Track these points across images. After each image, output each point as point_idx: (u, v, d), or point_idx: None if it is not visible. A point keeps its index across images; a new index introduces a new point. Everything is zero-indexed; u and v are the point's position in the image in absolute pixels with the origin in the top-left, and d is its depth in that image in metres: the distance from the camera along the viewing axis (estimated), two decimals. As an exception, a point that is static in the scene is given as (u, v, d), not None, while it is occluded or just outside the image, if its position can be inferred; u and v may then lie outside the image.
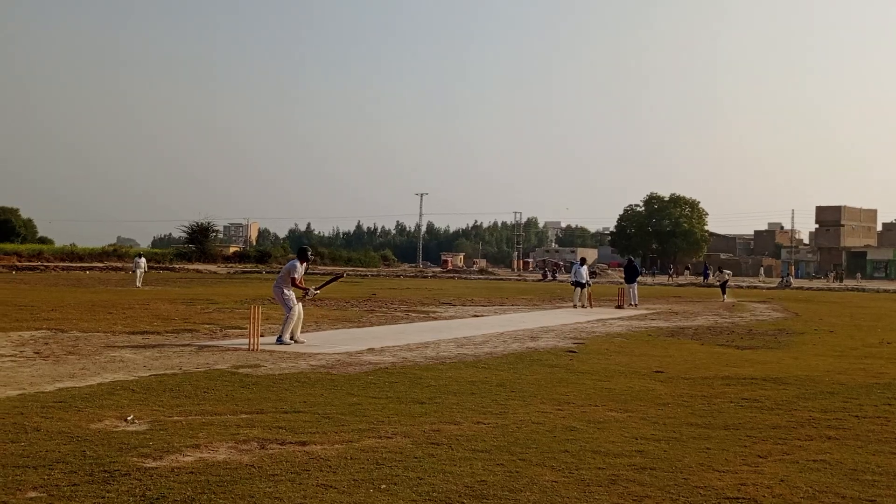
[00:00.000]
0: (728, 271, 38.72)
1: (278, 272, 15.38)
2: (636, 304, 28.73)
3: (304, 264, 14.58)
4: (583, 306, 26.68)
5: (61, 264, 62.25)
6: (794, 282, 65.40)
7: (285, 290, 14.21)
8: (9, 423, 6.92)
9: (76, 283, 37.81)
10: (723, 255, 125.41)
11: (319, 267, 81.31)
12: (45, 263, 62.13)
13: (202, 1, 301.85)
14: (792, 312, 27.21)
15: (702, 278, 67.12)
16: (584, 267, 27.99)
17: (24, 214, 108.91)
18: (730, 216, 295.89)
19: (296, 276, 14.24)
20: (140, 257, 38.30)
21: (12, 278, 42.11)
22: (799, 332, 19.21)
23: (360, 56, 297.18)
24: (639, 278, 31.60)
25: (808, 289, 56.26)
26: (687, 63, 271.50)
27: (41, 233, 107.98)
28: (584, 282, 27.19)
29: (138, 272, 36.36)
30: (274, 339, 14.03)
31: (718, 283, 37.22)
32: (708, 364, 12.49)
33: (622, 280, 30.92)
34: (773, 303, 33.86)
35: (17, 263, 60.04)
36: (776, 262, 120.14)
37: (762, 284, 62.73)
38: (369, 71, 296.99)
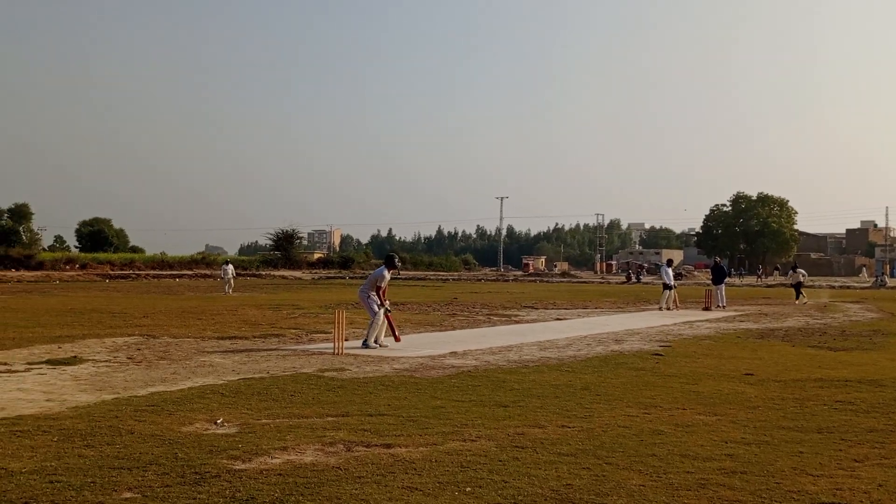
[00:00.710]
0: (802, 271, 35.84)
1: (362, 277, 15.54)
2: (724, 306, 28.16)
3: (391, 271, 14.76)
4: (669, 309, 26.27)
5: (152, 272, 64.07)
6: (890, 281, 63.10)
7: (371, 295, 14.38)
8: (104, 427, 7.13)
9: (166, 291, 38.86)
10: (813, 255, 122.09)
11: (402, 272, 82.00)
12: (137, 272, 64.02)
13: (279, 19, 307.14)
14: (887, 313, 26.31)
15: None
16: (670, 269, 27.60)
17: (117, 225, 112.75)
18: (820, 215, 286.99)
19: (382, 284, 14.42)
20: (227, 264, 38.93)
21: (106, 286, 43.53)
22: (895, 332, 18.53)
23: (440, 61, 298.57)
24: (726, 279, 30.94)
25: (904, 288, 54.27)
26: (775, 60, 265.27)
27: (133, 242, 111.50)
28: (671, 283, 26.81)
29: (227, 279, 37.03)
30: (359, 342, 14.20)
31: (792, 284, 35.18)
32: (800, 366, 12.15)
33: (709, 281, 30.32)
34: (866, 303, 32.79)
35: (110, 272, 62.02)
36: (870, 262, 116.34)
37: (856, 284, 60.80)
38: (449, 76, 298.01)
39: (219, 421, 7.45)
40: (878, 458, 6.34)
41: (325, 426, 7.31)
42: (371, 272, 14.97)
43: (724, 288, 29.32)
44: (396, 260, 15.20)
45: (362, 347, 13.85)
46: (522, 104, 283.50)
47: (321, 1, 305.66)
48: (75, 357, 12.15)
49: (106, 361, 11.85)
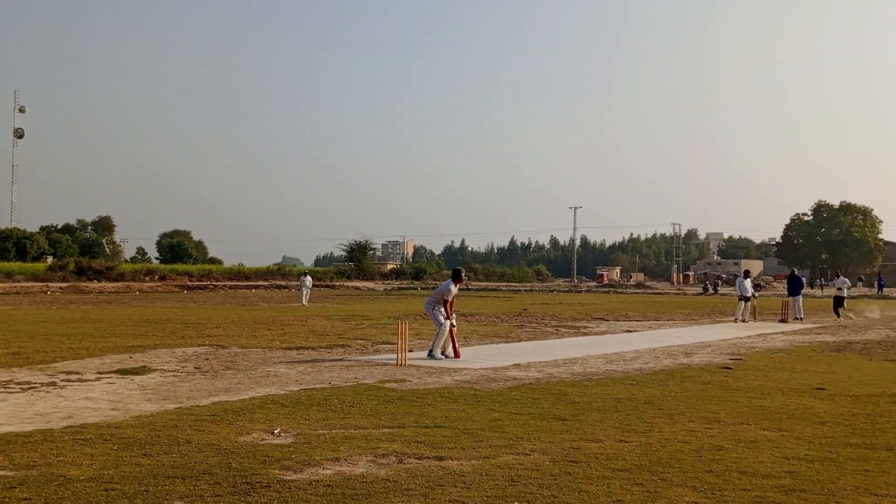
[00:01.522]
0: (845, 280, 30.39)
1: (433, 288, 15.57)
2: (801, 318, 27.44)
3: (458, 285, 14.78)
4: (744, 321, 25.71)
5: (229, 283, 65.32)
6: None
7: (437, 307, 14.42)
8: (164, 436, 7.26)
9: (241, 301, 39.56)
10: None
11: (473, 283, 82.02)
12: (214, 283, 65.33)
13: (359, 35, 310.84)
14: (975, 326, 25.26)
15: (875, 290, 63.45)
16: (748, 280, 27.01)
17: (196, 236, 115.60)
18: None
19: (448, 297, 14.44)
20: (305, 276, 39.30)
21: (183, 297, 44.53)
22: (982, 346, 17.79)
23: (508, 71, 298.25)
24: (803, 291, 30.14)
25: None
26: (853, 65, 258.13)
27: (211, 253, 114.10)
28: (748, 295, 26.26)
29: (304, 290, 37.45)
30: (425, 353, 14.24)
31: (834, 297, 29.92)
32: (875, 380, 11.75)
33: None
34: (954, 315, 31.57)
35: (188, 283, 63.40)
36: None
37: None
38: (514, 83, 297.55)
39: (276, 431, 7.52)
40: (948, 479, 6.06)
41: (380, 437, 7.32)
42: (440, 283, 15.00)
43: (801, 299, 28.58)
44: (463, 273, 15.19)
45: (427, 358, 13.88)
46: (588, 114, 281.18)
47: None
48: (144, 367, 12.43)
49: (174, 371, 12.09)
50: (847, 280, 30.84)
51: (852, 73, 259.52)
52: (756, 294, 27.48)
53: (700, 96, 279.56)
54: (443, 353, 14.15)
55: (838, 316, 28.21)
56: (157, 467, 6.12)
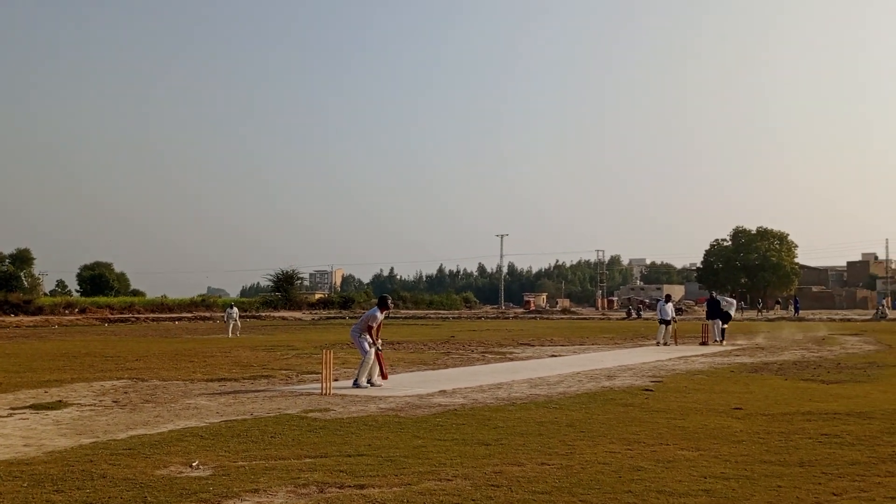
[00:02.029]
0: (731, 301, 29.66)
1: (359, 317, 15.42)
2: (720, 341, 28.02)
3: (385, 312, 14.69)
4: (666, 344, 26.17)
5: (152, 315, 64.00)
6: (890, 313, 62.95)
7: (363, 334, 14.34)
8: (77, 471, 7.06)
9: (164, 334, 38.75)
10: (815, 288, 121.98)
11: (402, 311, 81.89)
12: (137, 315, 63.93)
13: (290, 64, 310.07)
14: (885, 345, 26.17)
15: (793, 312, 65.30)
16: (670, 304, 27.51)
17: (118, 268, 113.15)
18: (821, 248, 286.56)
19: (373, 324, 14.35)
20: (232, 307, 38.27)
21: (104, 330, 43.42)
22: (891, 364, 18.46)
23: (431, 99, 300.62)
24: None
25: (905, 320, 54.09)
26: (776, 93, 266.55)
27: (134, 285, 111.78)
28: (668, 319, 26.75)
29: (230, 322, 36.51)
30: (350, 382, 14.14)
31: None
32: (790, 399, 12.06)
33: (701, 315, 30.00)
34: (865, 335, 32.65)
35: (110, 316, 61.92)
36: (871, 294, 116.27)
37: (857, 317, 60.64)
38: (437, 112, 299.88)
39: (194, 464, 7.38)
40: (856, 492, 6.25)
41: (301, 468, 7.23)
42: (365, 311, 14.90)
43: (720, 322, 29.14)
44: (389, 301, 15.16)
45: (353, 387, 13.78)
46: (515, 144, 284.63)
47: (332, 36, 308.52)
48: (60, 401, 12.08)
49: (91, 405, 11.78)
50: (734, 301, 30.51)
51: (772, 103, 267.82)
52: (676, 318, 28.01)
53: (616, 127, 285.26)
54: (369, 382, 14.07)
55: (722, 338, 27.50)
56: (69, 503, 5.95)
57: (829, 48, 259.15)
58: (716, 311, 29.24)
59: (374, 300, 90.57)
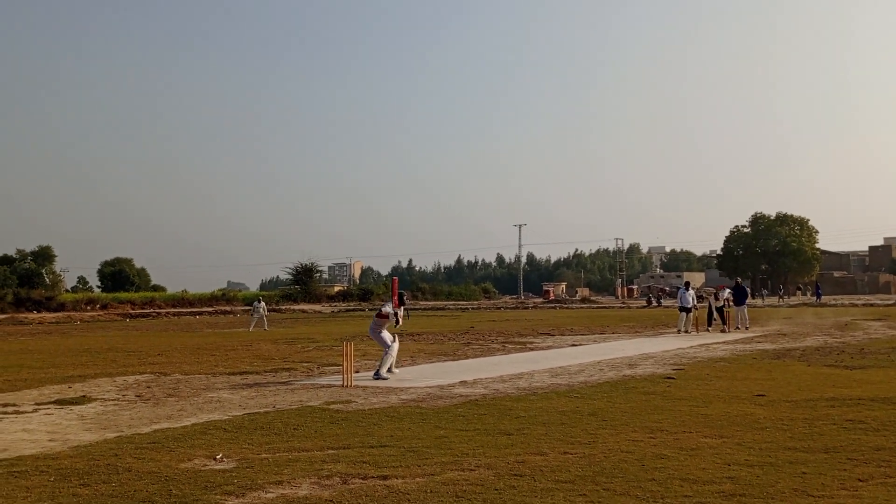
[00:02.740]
0: (709, 290, 28.76)
1: (377, 309, 15.41)
2: (747, 327, 27.89)
3: (397, 307, 14.62)
4: (686, 331, 26.06)
5: (172, 310, 64.31)
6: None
7: (380, 330, 14.39)
8: (103, 465, 7.12)
9: (185, 328, 38.98)
10: (836, 274, 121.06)
11: (421, 302, 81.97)
12: (157, 310, 64.26)
13: (300, 62, 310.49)
14: (909, 329, 25.95)
15: (814, 298, 64.88)
16: (690, 291, 27.33)
17: (138, 264, 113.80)
18: (842, 233, 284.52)
19: (384, 312, 14.39)
20: (259, 301, 37.98)
21: (125, 326, 43.73)
22: (915, 349, 18.28)
23: (455, 89, 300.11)
24: (748, 301, 30.64)
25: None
26: (796, 81, 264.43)
27: (154, 280, 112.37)
28: (689, 307, 26.61)
29: (255, 317, 36.28)
30: (371, 374, 14.16)
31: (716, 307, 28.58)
32: (813, 386, 11.99)
33: (730, 303, 29.74)
34: (889, 320, 32.38)
35: (131, 311, 62.30)
36: (894, 278, 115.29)
37: (880, 302, 60.16)
38: (463, 105, 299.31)
39: (218, 456, 7.42)
40: (882, 477, 6.21)
41: (325, 459, 7.26)
42: (385, 304, 14.86)
43: (745, 309, 29.00)
44: (405, 297, 15.19)
45: (374, 379, 13.81)
46: (538, 131, 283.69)
47: (333, 31, 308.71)
48: (84, 396, 12.18)
49: (114, 400, 11.87)
50: (724, 292, 29.41)
51: (790, 90, 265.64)
52: (697, 305, 27.86)
53: (633, 115, 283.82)
54: (390, 371, 14.13)
55: (710, 325, 27.94)
56: (95, 497, 6.00)
57: (838, 36, 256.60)
58: (742, 298, 29.09)
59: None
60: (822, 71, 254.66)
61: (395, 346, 14.30)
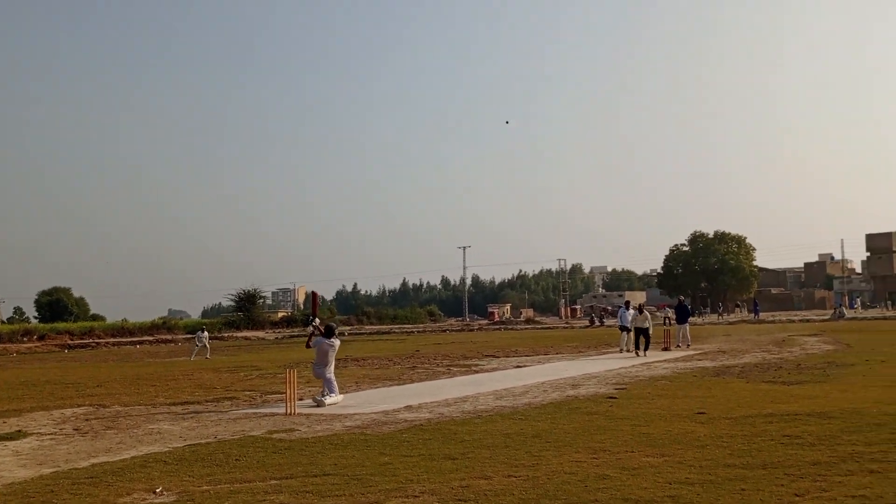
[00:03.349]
0: (627, 309, 27.16)
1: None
2: (689, 345, 28.21)
3: (332, 339, 14.72)
4: (628, 350, 26.30)
5: (112, 340, 63.07)
6: (848, 312, 64.01)
7: (320, 367, 14.42)
8: (37, 502, 6.95)
9: (125, 358, 38.23)
10: (773, 290, 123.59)
11: (366, 326, 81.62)
12: (97, 340, 62.97)
13: (254, 86, 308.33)
14: (843, 344, 26.57)
15: (752, 314, 66.09)
16: (630, 311, 27.48)
17: (77, 293, 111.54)
18: (778, 249, 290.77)
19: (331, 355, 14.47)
20: (203, 331, 37.19)
21: (63, 357, 42.74)
22: (849, 364, 18.74)
23: (395, 112, 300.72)
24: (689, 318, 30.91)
25: (862, 318, 55.05)
26: (727, 98, 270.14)
27: (94, 310, 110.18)
28: (628, 326, 26.85)
29: (198, 346, 35.33)
30: (315, 400, 14.05)
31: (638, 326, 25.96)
32: (752, 402, 12.21)
33: (672, 321, 29.87)
34: (824, 335, 33.12)
35: (69, 342, 60.92)
36: (829, 294, 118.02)
37: (816, 317, 61.52)
38: (408, 129, 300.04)
39: (158, 490, 7.29)
40: (817, 492, 6.36)
41: (267, 490, 7.19)
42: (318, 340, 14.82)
43: (687, 327, 29.38)
44: (336, 328, 15.25)
45: (315, 405, 13.71)
46: (481, 154, 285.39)
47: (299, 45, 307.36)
48: (19, 431, 11.87)
49: (51, 434, 11.59)
50: (647, 313, 26.83)
51: (723, 108, 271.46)
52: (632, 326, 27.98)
53: (579, 132, 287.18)
54: (324, 396, 14.03)
55: (640, 350, 25.14)
56: (29, 537, 5.85)
57: (766, 58, 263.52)
58: (684, 316, 29.49)
59: (339, 317, 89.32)
60: (753, 92, 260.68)
61: (332, 374, 14.39)
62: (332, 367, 14.62)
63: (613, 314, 79.60)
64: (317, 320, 15.38)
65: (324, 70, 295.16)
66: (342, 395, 14.24)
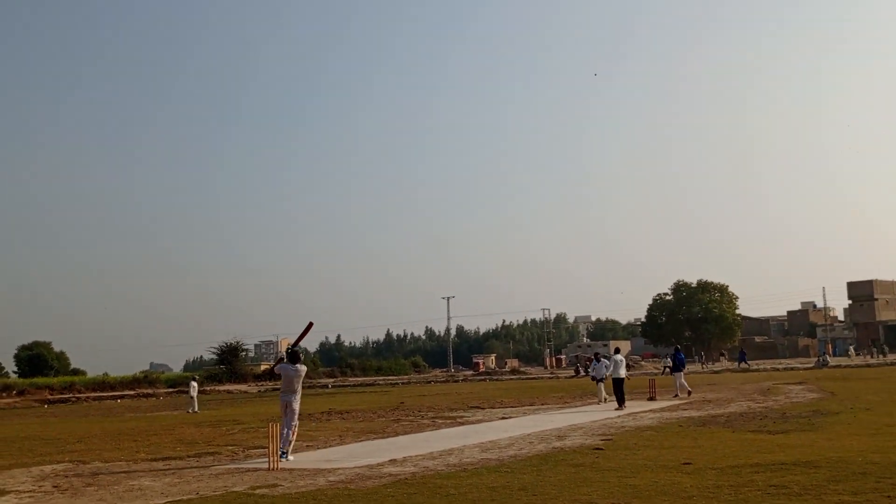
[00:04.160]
0: (605, 360, 26.92)
1: (309, 387, 15.35)
2: (690, 392, 27.83)
3: (297, 365, 14.64)
4: (606, 401, 25.96)
5: (93, 395, 62.37)
6: (832, 360, 64.20)
7: (284, 395, 14.34)
8: (15, 563, 6.81)
9: (106, 413, 37.76)
10: (757, 338, 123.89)
11: (350, 378, 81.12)
12: (77, 395, 62.26)
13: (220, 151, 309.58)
14: (828, 392, 26.62)
15: (738, 363, 66.14)
16: (602, 361, 27.16)
17: (57, 347, 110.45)
18: (761, 298, 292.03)
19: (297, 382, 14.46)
20: (193, 380, 37.13)
21: (43, 412, 42.19)
22: (834, 412, 18.76)
23: (367, 164, 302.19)
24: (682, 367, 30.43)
25: (845, 366, 55.20)
26: (709, 150, 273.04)
27: (74, 364, 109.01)
28: (601, 377, 26.48)
29: (193, 396, 34.81)
30: (296, 454, 13.85)
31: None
32: (738, 452, 12.18)
33: (657, 371, 29.57)
34: (808, 383, 33.16)
35: (49, 397, 60.23)
36: (812, 342, 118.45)
37: (800, 365, 61.61)
38: (377, 179, 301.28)
39: (138, 549, 7.16)
40: (805, 543, 6.31)
41: (250, 547, 7.07)
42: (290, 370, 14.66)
43: (682, 377, 29.17)
44: (301, 354, 15.22)
45: (283, 459, 13.44)
46: (464, 205, 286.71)
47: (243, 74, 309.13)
48: (-4, 490, 11.68)
49: (30, 492, 11.39)
50: (615, 358, 25.57)
51: (705, 158, 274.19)
52: (629, 375, 27.92)
53: (562, 182, 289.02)
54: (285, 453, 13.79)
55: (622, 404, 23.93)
56: None
57: (745, 102, 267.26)
58: (680, 365, 29.41)
59: (322, 369, 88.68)
60: (730, 139, 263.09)
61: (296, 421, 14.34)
62: (298, 396, 14.53)
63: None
64: (297, 348, 15.21)
65: (308, 122, 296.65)
66: (294, 458, 13.91)
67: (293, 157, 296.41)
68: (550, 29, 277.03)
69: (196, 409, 34.02)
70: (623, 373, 24.80)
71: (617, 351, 27.19)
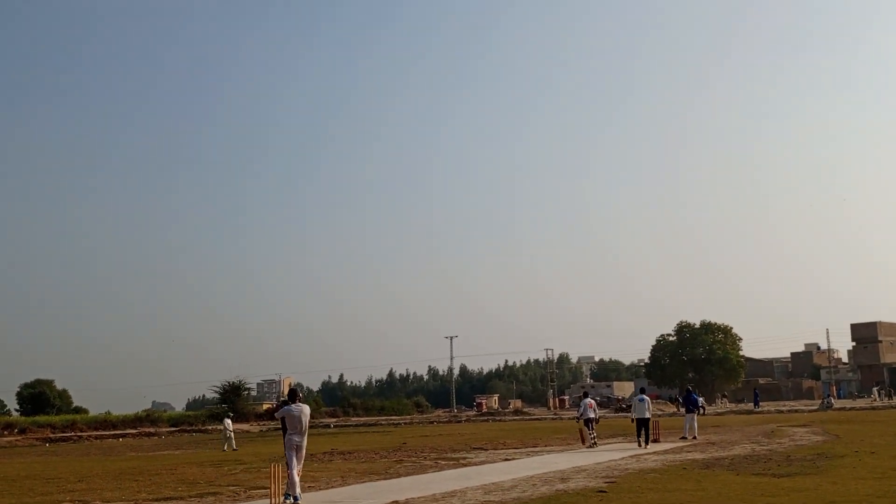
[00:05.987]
0: (588, 400, 26.84)
1: (311, 427, 15.06)
2: (695, 437, 27.36)
3: (298, 403, 14.29)
4: (593, 444, 25.55)
5: (95, 433, 62.09)
6: (836, 402, 63.86)
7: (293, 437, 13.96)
8: None
9: (107, 452, 37.64)
10: (762, 380, 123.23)
11: (353, 418, 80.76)
12: (79, 433, 61.97)
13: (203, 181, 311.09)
14: (833, 435, 26.47)
15: (752, 405, 65.67)
16: (584, 401, 26.75)
17: (60, 385, 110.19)
18: (764, 340, 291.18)
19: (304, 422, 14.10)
20: (227, 418, 36.68)
21: (45, 451, 42.06)
22: (839, 455, 18.67)
23: (374, 200, 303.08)
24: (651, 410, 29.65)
25: (850, 409, 54.89)
26: (714, 189, 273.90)
27: (76, 402, 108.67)
28: (589, 418, 26.07)
29: (228, 434, 34.50)
30: (291, 497, 13.60)
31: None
32: (742, 495, 12.13)
33: (661, 413, 29.00)
34: (813, 426, 32.98)
35: (51, 435, 60.01)
36: (816, 384, 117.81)
37: (804, 408, 61.24)
38: (385, 214, 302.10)
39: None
40: (809, 589, 6.29)
41: (252, 590, 7.06)
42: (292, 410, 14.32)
43: (694, 418, 28.55)
44: (299, 393, 14.87)
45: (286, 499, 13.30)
46: (470, 244, 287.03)
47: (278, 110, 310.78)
48: (-2, 530, 11.65)
49: (31, 532, 11.37)
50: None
51: (709, 196, 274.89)
52: (597, 418, 27.06)
53: (564, 220, 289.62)
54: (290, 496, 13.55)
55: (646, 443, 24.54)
56: None
57: (747, 146, 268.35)
58: (692, 406, 29.05)
59: (325, 409, 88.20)
60: (734, 180, 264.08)
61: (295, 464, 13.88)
62: (304, 439, 14.00)
63: (603, 405, 79.15)
64: (295, 387, 14.91)
65: (315, 151, 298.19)
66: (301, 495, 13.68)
67: (290, 191, 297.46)
68: (559, 65, 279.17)
69: (234, 446, 33.82)
70: (648, 413, 24.94)
71: (642, 391, 26.93)
